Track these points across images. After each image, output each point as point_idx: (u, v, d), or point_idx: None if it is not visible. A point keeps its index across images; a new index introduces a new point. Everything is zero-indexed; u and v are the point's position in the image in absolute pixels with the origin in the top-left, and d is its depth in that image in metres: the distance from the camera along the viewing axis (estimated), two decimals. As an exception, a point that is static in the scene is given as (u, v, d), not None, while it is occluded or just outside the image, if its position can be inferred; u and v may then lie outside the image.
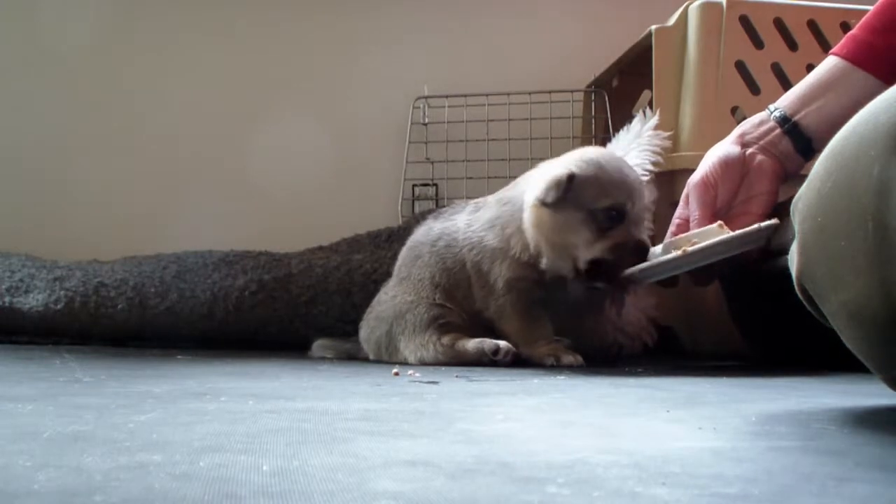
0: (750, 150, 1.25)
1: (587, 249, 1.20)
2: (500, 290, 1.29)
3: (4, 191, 2.10)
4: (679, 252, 1.15)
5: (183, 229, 1.98)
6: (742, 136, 1.27)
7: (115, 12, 2.14)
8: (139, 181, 2.13)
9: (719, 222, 1.19)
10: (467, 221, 1.36)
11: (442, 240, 1.37)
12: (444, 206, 1.95)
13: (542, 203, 1.21)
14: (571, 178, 1.19)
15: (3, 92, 2.13)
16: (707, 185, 1.26)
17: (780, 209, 1.20)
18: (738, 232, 1.14)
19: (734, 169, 1.25)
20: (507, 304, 1.30)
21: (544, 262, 1.26)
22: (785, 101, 1.26)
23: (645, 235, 1.22)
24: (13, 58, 2.13)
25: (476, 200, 1.42)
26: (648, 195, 1.24)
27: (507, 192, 1.35)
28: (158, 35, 2.16)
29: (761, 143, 1.25)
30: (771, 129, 1.25)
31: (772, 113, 1.26)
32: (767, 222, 1.14)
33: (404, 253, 1.46)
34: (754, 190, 1.24)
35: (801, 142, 1.23)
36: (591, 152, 1.27)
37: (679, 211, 1.31)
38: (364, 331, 1.45)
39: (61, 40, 2.11)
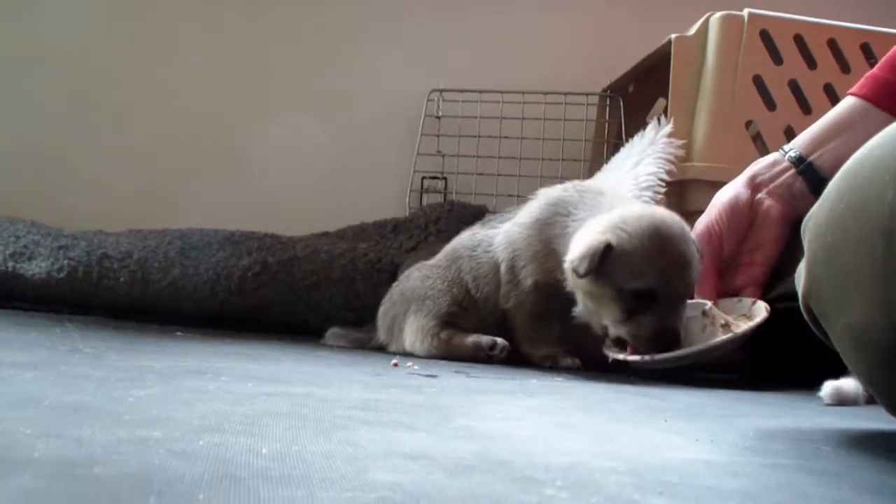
0: (759, 196, 1.22)
1: (614, 327, 1.15)
2: (526, 287, 1.28)
3: (13, 167, 2.08)
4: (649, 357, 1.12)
5: (190, 212, 1.96)
6: (753, 177, 1.24)
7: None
8: (149, 160, 2.11)
9: (708, 304, 1.16)
10: (511, 223, 1.34)
11: (480, 246, 1.36)
12: (452, 200, 1.96)
13: (575, 272, 1.14)
14: (608, 248, 1.11)
15: (13, 73, 2.11)
16: (712, 234, 1.22)
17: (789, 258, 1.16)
18: (713, 342, 1.12)
19: (741, 217, 1.22)
20: (528, 300, 1.28)
21: (578, 311, 1.21)
22: (799, 142, 1.23)
23: (676, 321, 1.13)
24: (18, 52, 2.11)
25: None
26: (697, 266, 1.16)
27: (557, 203, 1.28)
28: (172, 13, 2.16)
29: (772, 185, 1.22)
30: (785, 170, 1.22)
31: (786, 153, 1.23)
32: (742, 330, 1.12)
33: (447, 250, 1.44)
34: (761, 238, 1.22)
35: (816, 182, 1.17)
36: (644, 216, 1.15)
37: None
38: (385, 305, 1.45)
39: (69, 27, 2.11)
